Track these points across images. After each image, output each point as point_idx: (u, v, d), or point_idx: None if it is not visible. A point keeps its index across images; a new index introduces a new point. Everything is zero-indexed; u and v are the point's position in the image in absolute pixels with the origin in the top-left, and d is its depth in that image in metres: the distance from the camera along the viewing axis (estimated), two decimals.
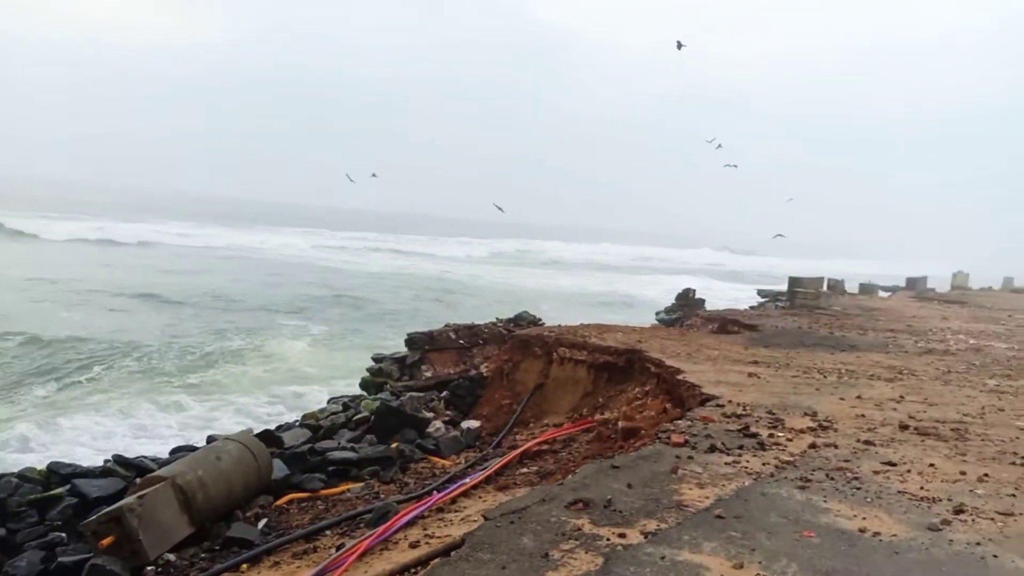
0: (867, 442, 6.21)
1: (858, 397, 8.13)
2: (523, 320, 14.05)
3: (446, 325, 13.20)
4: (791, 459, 5.61)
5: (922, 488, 5.06)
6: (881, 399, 8.13)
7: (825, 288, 26.92)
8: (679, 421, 6.84)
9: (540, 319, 14.53)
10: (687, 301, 20.01)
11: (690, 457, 5.54)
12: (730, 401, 7.67)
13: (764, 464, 5.47)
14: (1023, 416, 7.57)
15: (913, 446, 6.21)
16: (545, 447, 9.62)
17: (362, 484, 8.49)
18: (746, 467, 5.37)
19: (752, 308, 24.76)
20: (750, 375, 9.26)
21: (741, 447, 5.88)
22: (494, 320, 14.13)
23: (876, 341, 13.40)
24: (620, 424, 9.28)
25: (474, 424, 10.85)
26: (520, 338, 12.40)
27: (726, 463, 5.45)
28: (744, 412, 7.16)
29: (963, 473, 5.45)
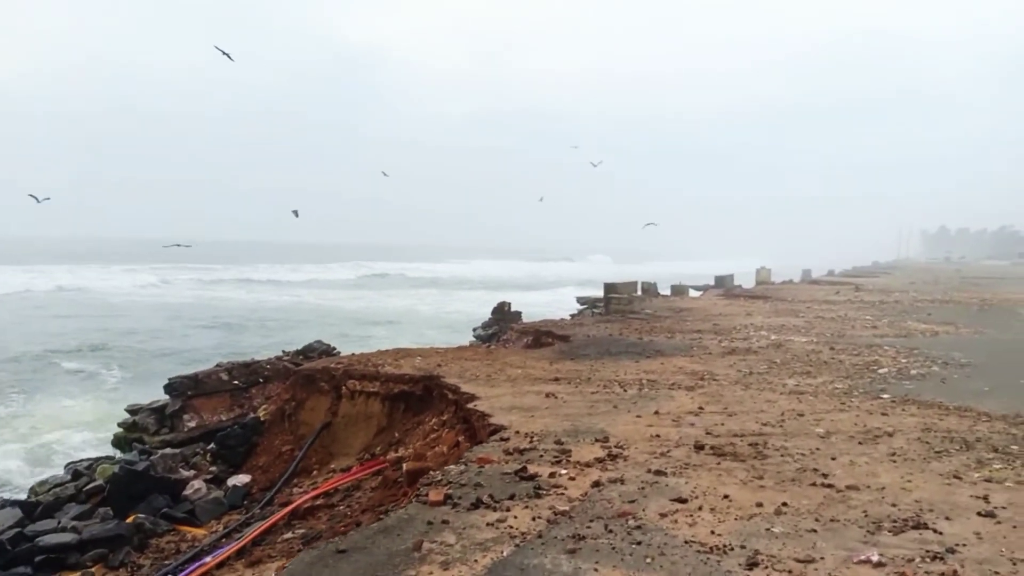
0: (658, 472, 5.40)
1: (656, 413, 7.43)
2: (313, 351, 12.57)
3: (218, 364, 11.47)
4: (568, 507, 4.65)
5: (713, 532, 4.24)
6: (680, 412, 7.48)
7: (639, 292, 27.29)
8: (450, 467, 5.75)
9: (335, 348, 13.09)
10: (502, 315, 19.29)
11: (444, 522, 4.44)
12: (517, 432, 6.71)
13: (535, 519, 4.46)
14: (823, 420, 7.14)
15: (708, 471, 5.46)
16: (320, 501, 8.27)
17: (79, 574, 6.75)
18: (512, 527, 4.34)
19: (573, 316, 24.55)
20: (548, 395, 8.40)
21: (513, 496, 4.86)
22: (281, 353, 12.53)
23: (682, 344, 13.12)
24: (405, 466, 8.13)
25: (243, 479, 9.30)
26: (304, 373, 10.96)
27: (489, 524, 4.39)
28: (529, 445, 6.20)
29: (760, 505, 4.71)
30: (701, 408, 7.69)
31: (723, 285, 35.12)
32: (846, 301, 24.23)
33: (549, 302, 42.42)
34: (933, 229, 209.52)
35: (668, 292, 29.17)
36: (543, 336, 15.83)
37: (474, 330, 19.62)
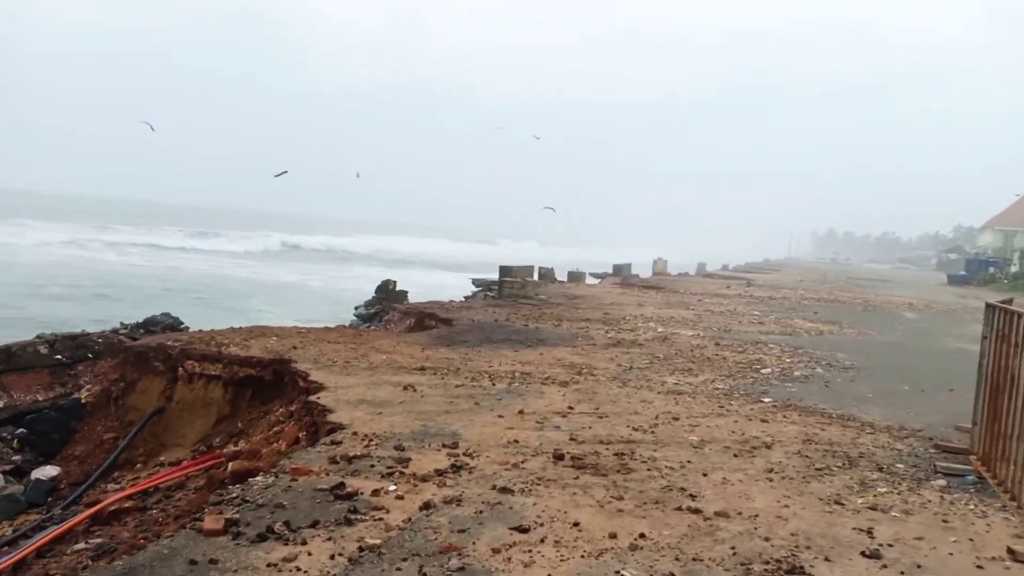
0: (504, 489, 4.58)
1: (520, 412, 6.64)
2: (155, 325, 11.19)
3: (39, 335, 9.98)
4: (382, 540, 3.76)
5: None
6: (547, 412, 6.70)
7: (536, 276, 26.67)
8: (256, 479, 4.76)
9: (182, 323, 11.73)
10: (387, 294, 18.22)
11: (213, 561, 3.46)
12: (355, 433, 5.77)
13: (334, 557, 3.55)
14: (698, 426, 6.51)
15: (562, 489, 4.68)
16: (132, 503, 7.09)
17: None
18: (299, 571, 3.41)
19: (466, 298, 23.68)
20: (406, 388, 7.47)
21: (317, 523, 3.93)
22: (118, 325, 11.10)
23: (567, 333, 12.44)
24: (231, 466, 7.05)
25: (50, 472, 7.99)
26: (136, 350, 9.63)
27: (271, 565, 3.45)
28: (364, 451, 5.28)
29: (613, 536, 3.95)
30: (571, 408, 6.94)
31: (620, 274, 35.00)
32: (736, 295, 24.33)
33: (447, 283, 41.34)
34: (822, 231, 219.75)
35: (566, 278, 28.70)
36: (426, 318, 14.88)
37: (356, 308, 18.46)
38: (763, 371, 9.70)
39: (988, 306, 5.76)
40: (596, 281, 32.71)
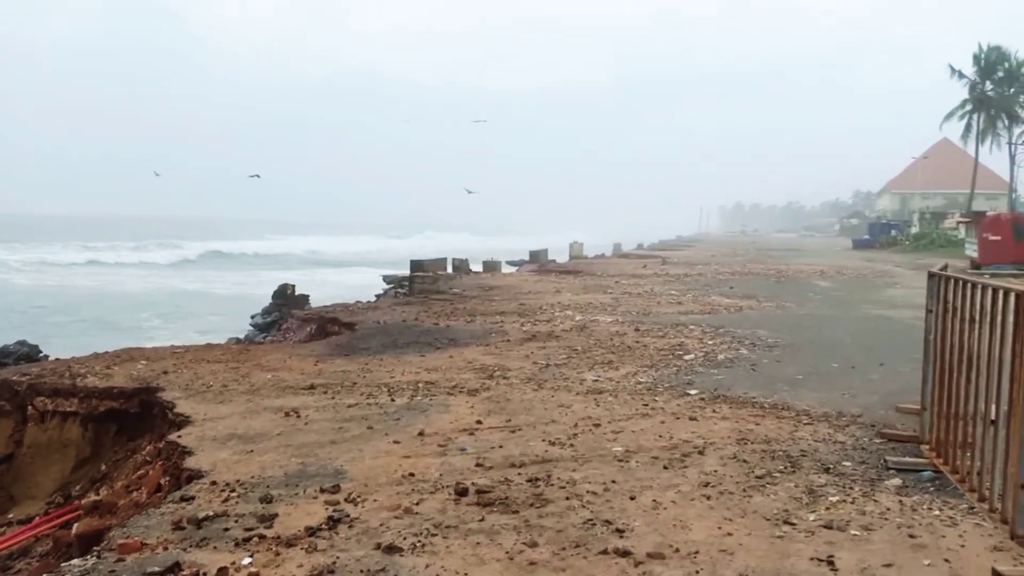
0: (390, 548, 3.69)
1: (420, 434, 5.75)
2: (7, 356, 9.76)
3: None
4: None
5: None
6: (451, 430, 5.84)
7: (450, 269, 25.74)
8: (72, 562, 3.73)
9: (40, 351, 10.31)
10: (284, 300, 16.97)
11: None
12: (215, 483, 4.77)
13: None
14: (622, 432, 5.76)
15: (464, 538, 3.83)
16: None
17: None
18: None
19: (378, 296, 22.56)
20: (289, 413, 6.47)
21: None
22: None
23: (480, 330, 11.59)
24: (75, 528, 5.95)
25: None
26: None
27: None
28: (222, 507, 4.30)
29: None
30: (479, 422, 6.09)
31: (537, 260, 34.42)
32: (653, 275, 24.00)
33: (364, 282, 39.87)
34: (730, 205, 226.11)
35: (481, 268, 27.86)
36: (328, 324, 13.79)
37: (252, 317, 17.15)
38: (686, 357, 9.07)
39: (931, 276, 5.18)
40: (513, 269, 32.02)
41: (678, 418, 6.20)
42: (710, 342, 10.27)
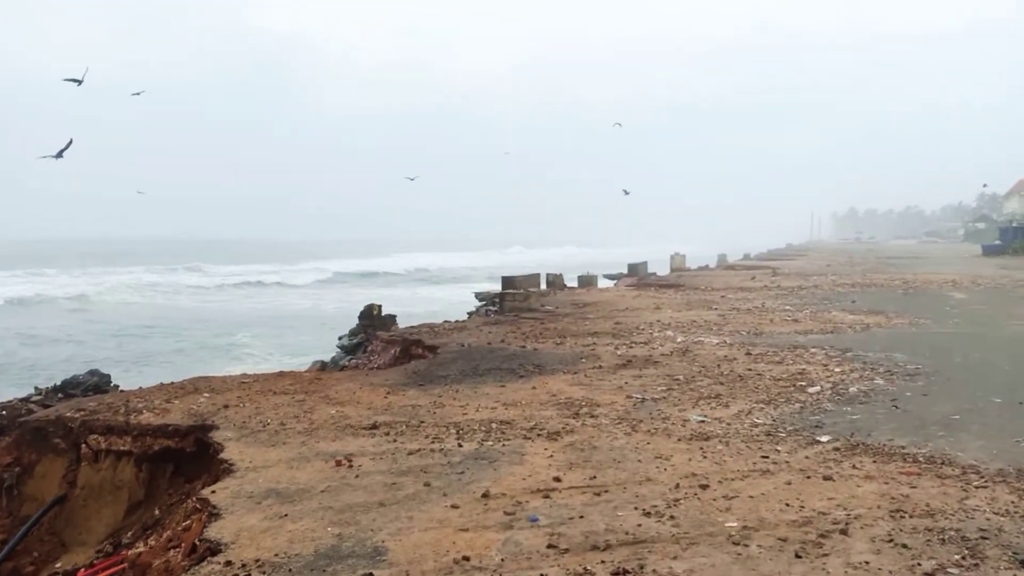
0: None
1: (485, 495, 4.75)
2: (77, 386, 9.40)
3: None
4: None
5: None
6: (523, 491, 4.81)
7: (544, 285, 24.75)
8: None
9: (111, 381, 9.94)
10: (371, 320, 16.42)
11: None
12: (230, 563, 3.91)
13: None
14: (736, 498, 4.57)
15: None
16: None
17: None
18: None
19: (470, 314, 21.84)
20: (341, 462, 5.61)
21: None
22: (32, 391, 9.33)
23: (570, 354, 10.52)
24: None
25: None
26: (32, 425, 7.84)
27: None
28: None
29: None
30: (558, 479, 5.03)
31: (636, 273, 32.92)
32: (763, 288, 22.27)
33: (458, 298, 39.50)
34: (843, 211, 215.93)
35: (576, 283, 26.72)
36: (412, 346, 13.05)
37: (339, 339, 16.68)
38: (810, 390, 7.72)
39: None
40: (610, 283, 30.72)
41: (808, 477, 4.95)
42: (837, 369, 8.84)
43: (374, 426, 6.72)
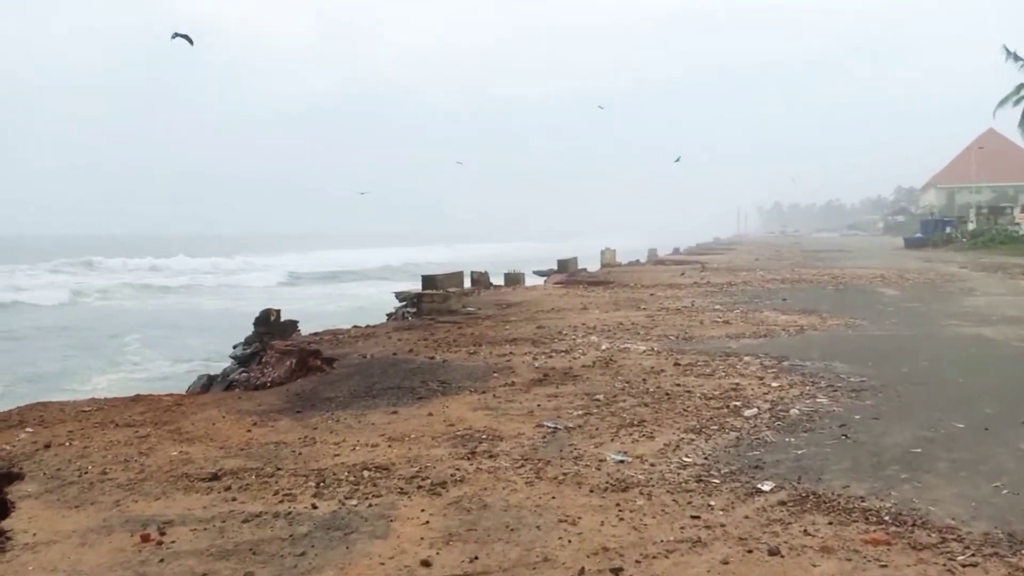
0: None
1: (341, 568, 3.47)
2: None
3: None
4: None
5: None
6: (391, 571, 3.55)
7: (469, 284, 23.48)
8: None
9: None
10: (268, 327, 14.88)
11: None
12: None
13: None
14: None
15: None
16: None
17: None
18: None
19: (389, 316, 20.41)
20: (147, 538, 4.24)
21: None
22: None
23: (483, 367, 9.31)
24: None
25: None
26: None
27: None
28: None
29: None
30: (427, 563, 3.79)
31: (566, 269, 31.93)
32: (692, 284, 21.53)
33: (381, 299, 37.86)
34: (768, 205, 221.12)
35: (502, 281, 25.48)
36: (310, 357, 11.63)
37: (234, 347, 15.07)
38: (746, 413, 6.67)
39: None
40: (539, 280, 29.64)
41: (750, 551, 3.83)
42: (774, 384, 7.85)
43: (215, 476, 5.35)
